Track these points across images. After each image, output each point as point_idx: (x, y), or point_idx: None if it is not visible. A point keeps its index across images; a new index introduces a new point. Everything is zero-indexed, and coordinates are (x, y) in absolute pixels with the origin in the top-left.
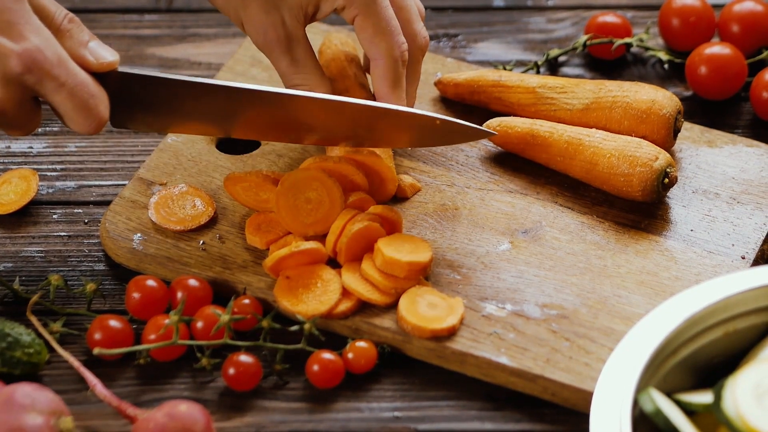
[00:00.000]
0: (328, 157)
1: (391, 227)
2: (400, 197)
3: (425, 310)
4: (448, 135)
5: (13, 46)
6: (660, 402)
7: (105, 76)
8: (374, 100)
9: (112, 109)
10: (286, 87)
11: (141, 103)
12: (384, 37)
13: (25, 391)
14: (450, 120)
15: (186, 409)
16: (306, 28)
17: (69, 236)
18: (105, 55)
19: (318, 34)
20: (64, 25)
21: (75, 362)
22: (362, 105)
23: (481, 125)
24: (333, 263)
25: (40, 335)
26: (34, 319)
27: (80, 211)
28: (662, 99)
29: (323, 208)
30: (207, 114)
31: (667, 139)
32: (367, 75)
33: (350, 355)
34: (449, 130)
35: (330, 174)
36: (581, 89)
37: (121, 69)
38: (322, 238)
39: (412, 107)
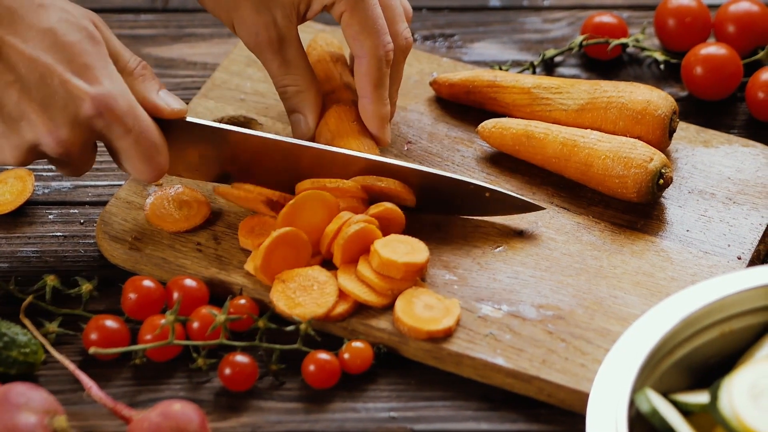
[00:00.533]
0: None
1: (392, 225)
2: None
3: (421, 311)
4: (496, 206)
5: (89, 88)
6: (656, 402)
7: (167, 125)
8: (357, 100)
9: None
10: (276, 88)
11: (200, 153)
12: (369, 35)
13: (19, 390)
14: (500, 191)
15: (180, 409)
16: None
17: (65, 236)
18: (174, 103)
19: (310, 34)
20: (138, 71)
21: (70, 365)
22: (417, 170)
23: (476, 125)
24: (325, 265)
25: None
26: (27, 322)
27: (76, 211)
28: (657, 99)
29: (317, 217)
30: (268, 169)
31: (662, 139)
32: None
33: (346, 356)
34: (499, 200)
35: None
36: (576, 90)
37: (188, 118)
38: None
39: (394, 108)
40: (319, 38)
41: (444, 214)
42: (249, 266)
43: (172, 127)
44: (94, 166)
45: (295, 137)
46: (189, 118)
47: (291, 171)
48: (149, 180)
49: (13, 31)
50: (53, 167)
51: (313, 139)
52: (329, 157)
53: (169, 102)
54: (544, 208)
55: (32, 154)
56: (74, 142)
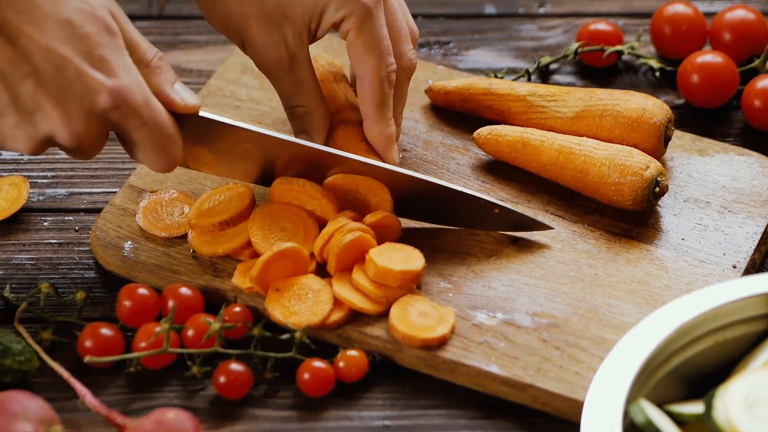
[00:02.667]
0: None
1: (388, 234)
2: None
3: (416, 319)
4: (504, 223)
5: (105, 81)
6: (651, 413)
7: (182, 119)
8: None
9: (185, 151)
10: (285, 108)
11: (210, 148)
12: (372, 55)
13: (15, 399)
14: (508, 208)
15: (174, 417)
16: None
17: (59, 244)
18: (189, 97)
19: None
20: (154, 62)
21: (64, 373)
22: (425, 181)
23: (472, 132)
24: (319, 272)
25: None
26: (22, 330)
27: (71, 218)
28: (653, 107)
29: (297, 239)
30: (268, 166)
31: (657, 147)
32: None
33: (341, 364)
34: (506, 217)
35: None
36: (571, 97)
37: (202, 113)
38: None
39: (399, 128)
40: (320, 58)
41: (445, 225)
42: (237, 279)
43: (186, 119)
44: (87, 175)
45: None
46: (202, 113)
47: (306, 173)
48: (163, 170)
49: (30, 21)
50: (48, 174)
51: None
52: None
53: (183, 96)
54: (551, 228)
55: (46, 145)
56: (89, 134)
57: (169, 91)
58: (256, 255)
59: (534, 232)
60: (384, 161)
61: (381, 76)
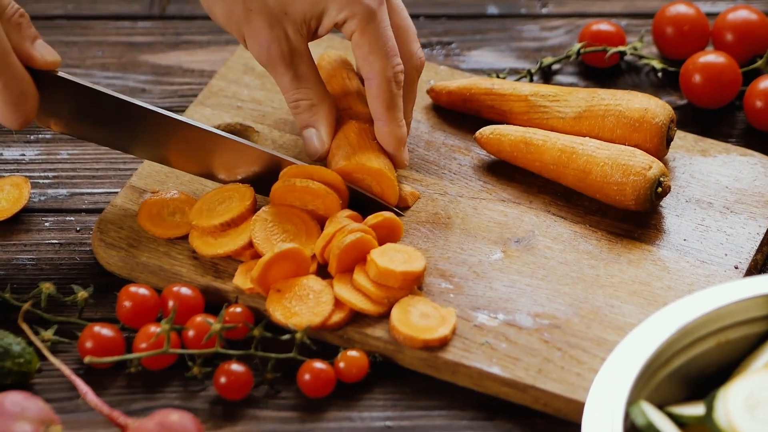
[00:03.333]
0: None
1: (390, 235)
2: (401, 206)
3: (417, 320)
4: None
5: None
6: (652, 415)
7: (41, 77)
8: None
9: (41, 109)
10: (288, 103)
11: (69, 108)
12: (378, 56)
13: (14, 399)
14: (356, 189)
15: (178, 419)
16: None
17: (61, 244)
18: (48, 55)
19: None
20: (15, 18)
21: (66, 370)
22: (271, 155)
23: (474, 133)
24: (320, 273)
25: (30, 344)
26: (25, 327)
27: (72, 219)
28: (655, 108)
29: (299, 241)
30: (129, 133)
31: (659, 147)
32: None
33: (342, 365)
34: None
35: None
36: (574, 97)
37: (60, 73)
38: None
39: (409, 128)
40: (331, 53)
41: None
42: (238, 280)
43: (45, 79)
44: (89, 175)
45: (308, 153)
46: (61, 73)
47: (166, 145)
48: (14, 126)
49: None
50: (50, 174)
51: (326, 155)
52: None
53: (43, 52)
54: (401, 215)
55: None
56: None
57: (29, 47)
58: (257, 256)
59: (536, 233)
60: (394, 162)
61: (388, 77)
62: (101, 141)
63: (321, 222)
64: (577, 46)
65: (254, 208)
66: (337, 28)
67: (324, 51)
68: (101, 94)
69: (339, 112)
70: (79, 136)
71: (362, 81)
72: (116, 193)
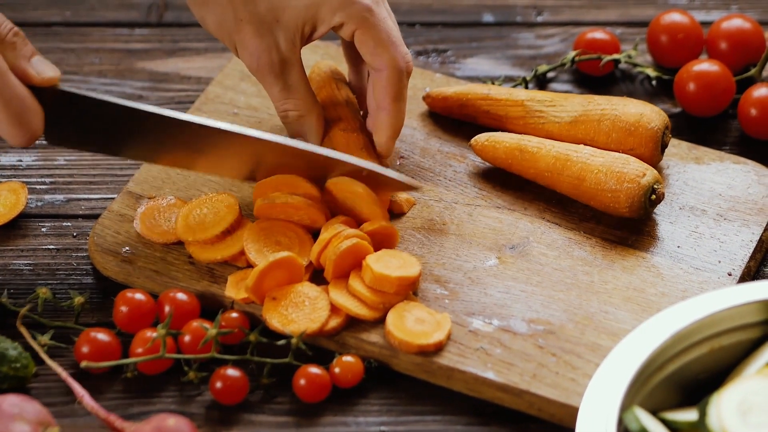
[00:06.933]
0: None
1: (385, 241)
2: (396, 212)
3: (412, 325)
4: (375, 184)
5: None
6: (645, 421)
7: (44, 93)
8: (363, 122)
9: (49, 125)
10: (278, 112)
11: (76, 122)
12: (387, 48)
13: (12, 401)
14: (377, 171)
15: (174, 424)
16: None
17: (57, 249)
18: (46, 70)
19: (313, 52)
20: (9, 38)
21: (63, 373)
22: (302, 151)
23: (469, 140)
24: (313, 280)
25: (27, 348)
26: (24, 331)
27: (69, 224)
28: (650, 113)
29: (292, 252)
30: (138, 140)
31: (654, 153)
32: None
33: (337, 370)
34: (375, 180)
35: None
36: (570, 103)
37: (63, 87)
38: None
39: (401, 126)
40: (322, 64)
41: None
42: (230, 291)
43: (49, 95)
44: (85, 181)
45: None
46: (64, 87)
47: (176, 146)
48: (21, 144)
49: None
50: (47, 180)
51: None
52: (187, 127)
53: (40, 69)
54: (419, 186)
55: None
56: None
57: (25, 65)
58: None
59: (530, 239)
60: (380, 155)
61: (399, 67)
62: (117, 153)
63: (313, 232)
64: (572, 54)
65: (241, 213)
66: (334, 31)
67: (320, 59)
68: (101, 102)
69: (328, 123)
70: (97, 152)
71: (352, 89)
72: (113, 198)
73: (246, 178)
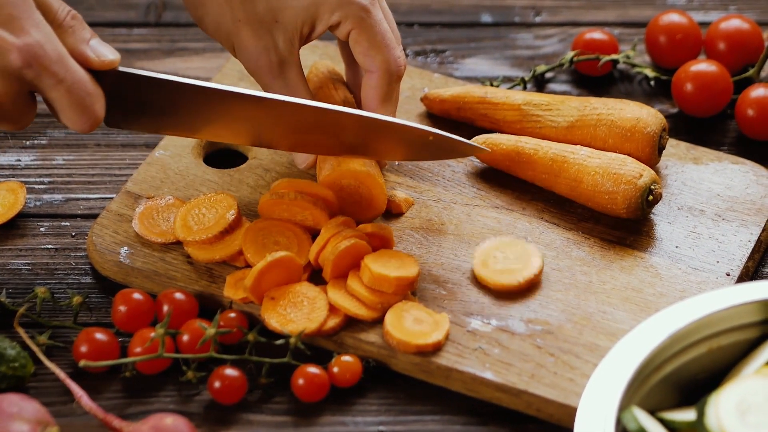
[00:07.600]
0: (284, 194)
1: (381, 244)
2: (395, 213)
3: (411, 325)
4: (440, 150)
5: (14, 40)
6: (643, 421)
7: (103, 75)
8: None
9: (108, 109)
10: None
11: (137, 103)
12: (380, 50)
13: (11, 400)
14: (442, 134)
15: (172, 423)
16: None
17: (56, 249)
18: (106, 53)
19: (311, 52)
20: (67, 21)
21: (61, 373)
22: (360, 116)
23: (468, 139)
24: (312, 280)
25: (25, 348)
26: (21, 331)
27: (67, 224)
28: (647, 117)
29: (291, 252)
30: (201, 117)
31: (651, 156)
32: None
33: (335, 369)
34: (441, 145)
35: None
36: (566, 107)
37: (120, 68)
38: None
39: None
40: (320, 64)
41: (392, 160)
42: (228, 291)
43: (108, 77)
44: (84, 180)
45: (296, 163)
46: (122, 68)
47: (241, 120)
48: (84, 130)
49: None
50: (45, 180)
51: (314, 164)
52: (257, 102)
53: (99, 52)
54: (486, 150)
55: None
56: (5, 93)
57: (84, 49)
58: None
59: (529, 240)
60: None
61: (390, 70)
62: (178, 132)
63: (312, 233)
64: (570, 54)
65: (240, 213)
66: (330, 30)
67: (318, 59)
68: (162, 81)
69: None
70: (157, 132)
71: (349, 89)
72: (111, 198)
73: (297, 150)
